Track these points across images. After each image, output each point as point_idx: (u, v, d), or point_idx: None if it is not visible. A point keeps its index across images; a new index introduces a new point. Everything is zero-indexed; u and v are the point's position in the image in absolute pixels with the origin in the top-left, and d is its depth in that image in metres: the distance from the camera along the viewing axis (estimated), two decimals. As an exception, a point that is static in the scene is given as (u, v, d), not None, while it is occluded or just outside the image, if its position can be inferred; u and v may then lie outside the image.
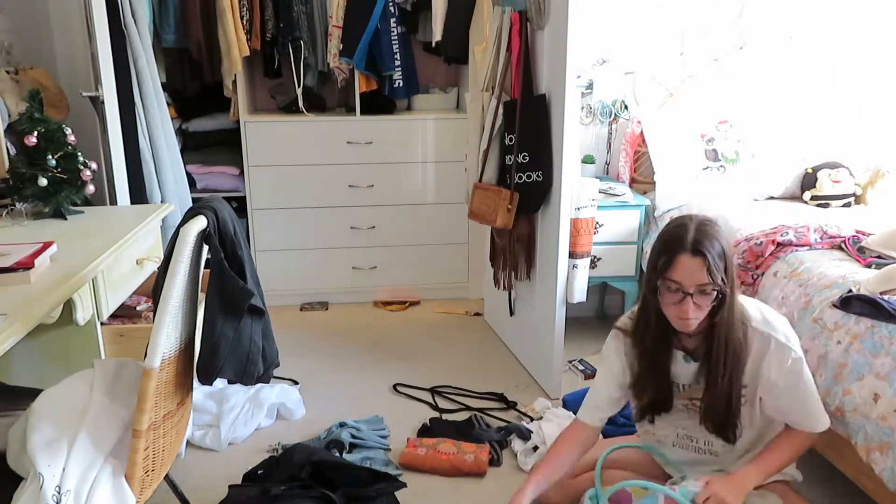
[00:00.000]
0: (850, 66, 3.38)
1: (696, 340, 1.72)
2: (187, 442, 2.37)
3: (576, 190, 2.66)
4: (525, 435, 2.40)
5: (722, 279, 1.59)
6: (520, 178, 2.71)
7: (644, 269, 3.08)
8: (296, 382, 2.83)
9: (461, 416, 2.62)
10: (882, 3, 3.33)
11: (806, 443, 1.77)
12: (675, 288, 1.60)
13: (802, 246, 2.38)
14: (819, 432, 1.74)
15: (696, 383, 1.75)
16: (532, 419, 2.55)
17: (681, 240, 1.60)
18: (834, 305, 1.99)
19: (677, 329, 1.68)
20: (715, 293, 1.60)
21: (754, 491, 1.82)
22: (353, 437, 2.34)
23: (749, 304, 1.73)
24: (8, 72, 2.48)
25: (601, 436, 2.37)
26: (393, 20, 3.40)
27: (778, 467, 1.76)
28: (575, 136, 2.60)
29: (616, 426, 2.46)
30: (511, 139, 2.72)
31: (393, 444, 2.43)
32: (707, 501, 1.63)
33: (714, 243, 1.59)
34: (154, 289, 1.47)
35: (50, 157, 2.07)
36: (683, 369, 1.76)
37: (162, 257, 1.91)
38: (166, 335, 1.39)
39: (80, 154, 2.15)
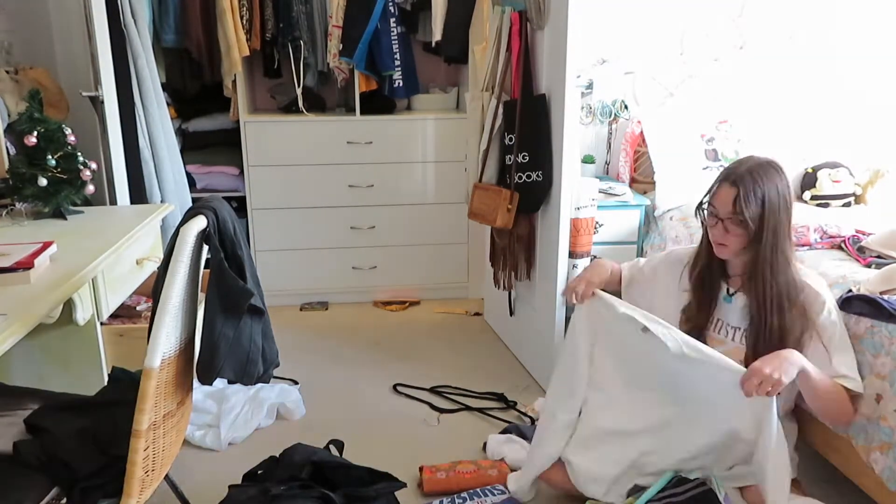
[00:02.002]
0: (851, 66, 3.38)
1: (738, 280, 1.91)
2: (185, 441, 2.37)
3: (576, 190, 2.66)
4: (525, 435, 2.39)
5: (752, 216, 1.76)
6: (520, 177, 2.71)
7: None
8: (296, 382, 2.83)
9: (461, 416, 2.62)
10: (882, 3, 3.33)
11: (846, 406, 1.80)
12: (713, 212, 1.85)
13: (802, 246, 2.38)
14: (855, 394, 1.80)
15: (744, 321, 1.89)
16: (533, 419, 2.55)
17: (731, 171, 1.84)
18: (834, 305, 1.99)
19: (715, 253, 1.87)
20: (743, 226, 1.77)
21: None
22: None
23: (809, 271, 1.91)
24: (8, 72, 2.48)
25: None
26: (393, 20, 3.40)
27: (823, 387, 1.76)
28: (575, 136, 2.59)
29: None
30: (511, 139, 2.72)
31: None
32: (748, 381, 1.66)
33: (757, 183, 1.78)
34: (154, 289, 1.47)
35: (50, 157, 2.07)
36: (728, 308, 1.93)
37: (162, 257, 1.91)
38: (166, 335, 1.39)
39: (79, 154, 2.15)
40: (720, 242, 1.84)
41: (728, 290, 1.95)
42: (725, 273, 1.95)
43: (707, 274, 1.95)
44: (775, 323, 1.82)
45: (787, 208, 1.82)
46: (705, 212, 1.88)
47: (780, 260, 1.81)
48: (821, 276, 2.15)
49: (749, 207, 1.77)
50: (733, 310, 1.93)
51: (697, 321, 1.95)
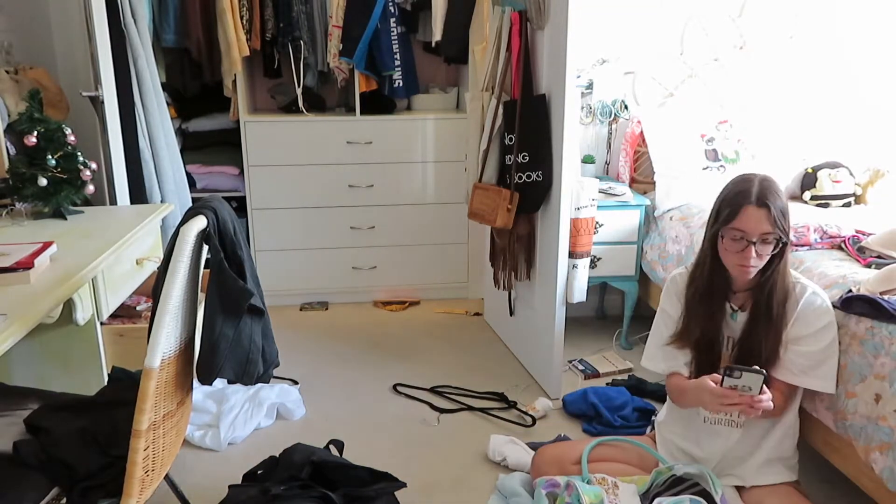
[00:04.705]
0: (851, 66, 3.38)
1: (743, 296, 1.87)
2: (185, 441, 2.37)
3: (576, 190, 2.66)
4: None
5: (782, 229, 1.76)
6: (520, 177, 2.71)
7: (642, 267, 3.08)
8: (295, 382, 2.83)
9: (461, 416, 2.62)
10: (883, 3, 3.33)
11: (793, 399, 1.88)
12: (740, 237, 1.77)
13: (802, 246, 2.37)
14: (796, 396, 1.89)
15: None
16: (534, 419, 2.55)
17: (747, 193, 1.78)
18: (834, 306, 1.99)
19: (735, 277, 1.84)
20: (775, 242, 1.76)
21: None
22: None
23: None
24: (8, 72, 2.48)
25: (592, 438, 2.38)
26: (393, 20, 3.40)
27: None
28: (575, 136, 2.60)
29: (613, 427, 2.46)
30: (511, 139, 2.72)
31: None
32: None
33: (776, 197, 1.77)
34: (154, 289, 1.47)
35: (50, 157, 2.07)
36: (731, 324, 1.89)
37: (162, 257, 1.91)
38: (166, 335, 1.39)
39: (80, 154, 2.15)
40: (750, 266, 1.77)
41: (732, 307, 1.90)
42: (729, 290, 1.89)
43: (717, 295, 1.89)
44: (771, 329, 1.83)
45: (790, 218, 1.84)
46: (723, 238, 1.80)
47: (787, 270, 1.84)
48: (820, 276, 2.15)
49: (781, 225, 1.76)
50: (737, 325, 1.89)
51: (705, 342, 1.90)
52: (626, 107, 3.37)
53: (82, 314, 1.76)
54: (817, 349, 1.83)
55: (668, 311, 1.99)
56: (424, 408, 2.69)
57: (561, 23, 2.44)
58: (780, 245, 1.78)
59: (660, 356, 2.00)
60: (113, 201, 2.68)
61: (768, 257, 1.78)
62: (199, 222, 1.43)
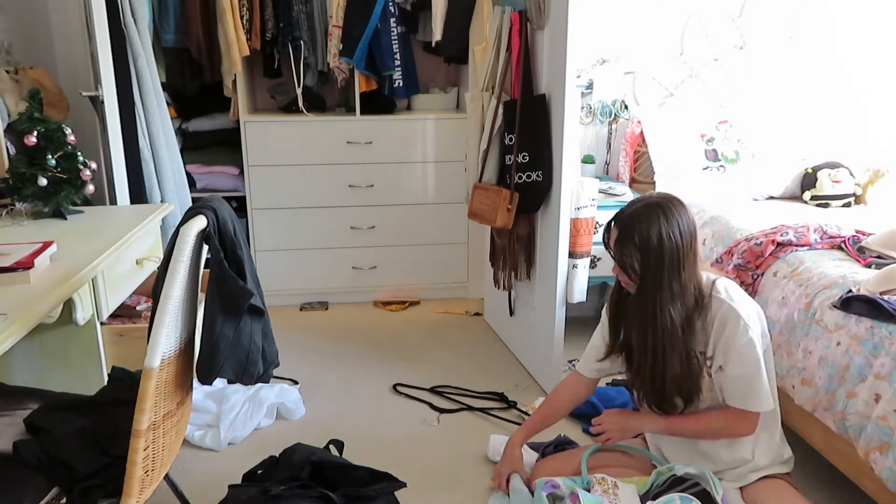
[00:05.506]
0: (851, 66, 3.38)
1: None
2: (185, 441, 2.36)
3: (576, 190, 2.66)
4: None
5: (630, 264, 1.76)
6: (520, 177, 2.71)
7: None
8: (295, 382, 2.83)
9: (461, 416, 2.62)
10: (884, 3, 3.33)
11: (734, 422, 1.81)
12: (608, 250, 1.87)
13: (802, 246, 2.38)
14: (753, 412, 1.80)
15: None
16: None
17: (620, 211, 1.83)
18: (834, 306, 1.99)
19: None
20: (624, 271, 1.79)
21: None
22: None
23: (720, 281, 1.82)
24: (8, 72, 2.48)
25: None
26: (393, 20, 3.40)
27: (687, 429, 1.87)
28: (575, 136, 2.60)
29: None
30: (511, 139, 2.72)
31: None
32: (599, 427, 1.98)
33: (634, 228, 1.75)
34: (154, 289, 1.46)
35: (50, 156, 2.07)
36: None
37: (162, 257, 1.91)
38: (166, 335, 1.39)
39: (79, 154, 2.15)
40: (619, 279, 1.86)
41: None
42: None
43: (620, 303, 1.93)
44: (650, 369, 1.81)
45: (673, 252, 1.72)
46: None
47: (659, 309, 1.75)
48: (820, 276, 2.15)
49: (625, 255, 1.77)
50: None
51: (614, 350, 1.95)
52: (626, 107, 3.37)
53: (82, 314, 1.76)
54: (745, 372, 1.75)
55: (604, 320, 2.03)
56: (424, 408, 2.69)
57: (561, 23, 2.44)
58: (632, 276, 1.79)
59: (588, 362, 2.07)
60: (113, 201, 2.68)
61: (633, 283, 1.81)
62: (199, 222, 1.43)
